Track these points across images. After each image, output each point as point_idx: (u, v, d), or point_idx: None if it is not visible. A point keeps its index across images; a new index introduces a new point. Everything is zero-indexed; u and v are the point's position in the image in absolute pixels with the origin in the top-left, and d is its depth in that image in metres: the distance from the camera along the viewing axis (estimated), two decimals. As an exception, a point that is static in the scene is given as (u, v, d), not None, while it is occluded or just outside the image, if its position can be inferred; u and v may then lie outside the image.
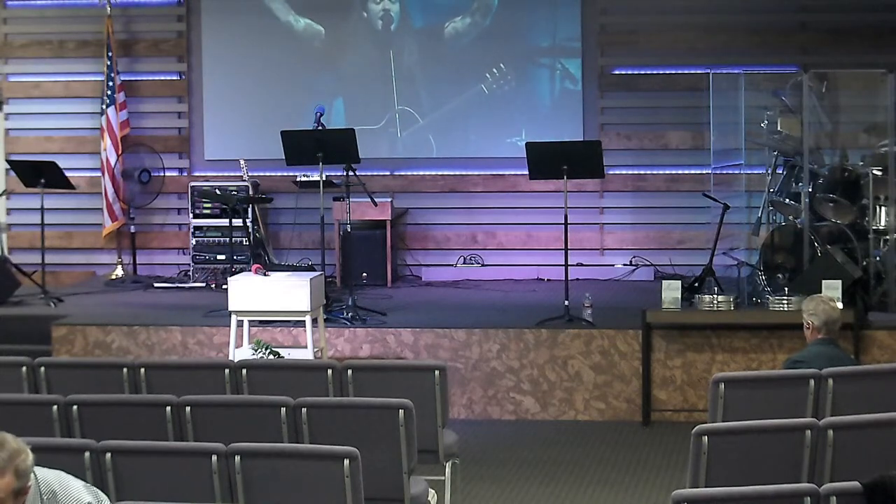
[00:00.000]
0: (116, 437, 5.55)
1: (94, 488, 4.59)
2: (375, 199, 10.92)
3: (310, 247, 12.54)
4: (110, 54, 12.68)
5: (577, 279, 11.94)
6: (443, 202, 12.81)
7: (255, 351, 8.74)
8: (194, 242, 12.57)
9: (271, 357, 8.56)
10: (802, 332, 7.08)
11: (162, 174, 12.77)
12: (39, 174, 11.60)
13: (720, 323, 9.62)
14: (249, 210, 12.09)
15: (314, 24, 12.86)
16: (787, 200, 10.65)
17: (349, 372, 6.90)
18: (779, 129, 10.88)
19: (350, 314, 10.24)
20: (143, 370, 7.04)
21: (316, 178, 10.74)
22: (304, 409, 6.02)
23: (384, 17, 12.84)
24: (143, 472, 5.32)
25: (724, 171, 11.44)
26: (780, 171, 10.96)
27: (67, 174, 11.80)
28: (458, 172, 12.77)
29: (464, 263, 12.74)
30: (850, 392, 6.53)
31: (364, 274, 12.12)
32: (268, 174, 12.64)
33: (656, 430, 9.44)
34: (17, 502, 4.34)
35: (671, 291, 9.60)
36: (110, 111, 12.68)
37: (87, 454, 5.32)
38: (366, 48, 12.85)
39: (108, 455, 5.32)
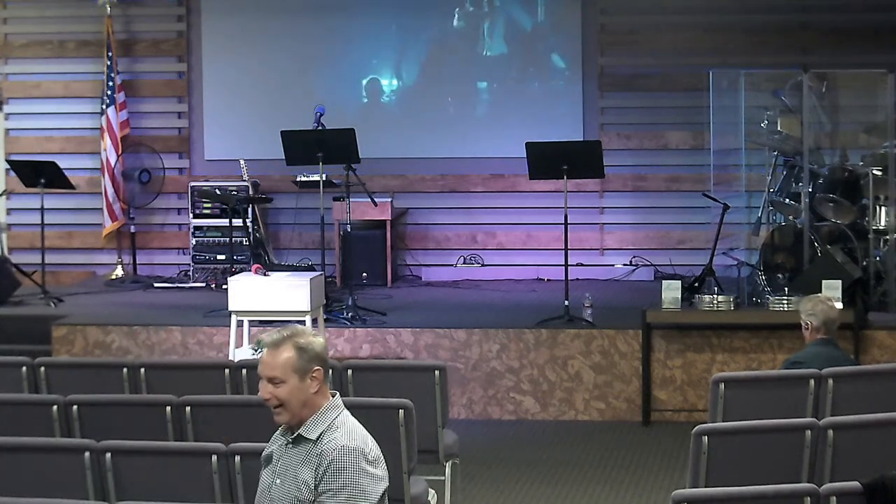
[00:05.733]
0: (116, 437, 5.55)
1: (369, 441, 4.38)
2: (375, 199, 10.92)
3: (310, 247, 12.53)
4: (110, 54, 12.67)
5: (577, 279, 11.93)
6: (443, 202, 12.81)
7: (255, 351, 8.73)
8: (194, 242, 12.56)
9: (271, 357, 8.55)
10: (802, 332, 7.08)
11: (162, 174, 12.76)
12: (39, 174, 11.60)
13: (720, 323, 9.62)
14: (249, 210, 12.09)
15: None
16: (787, 200, 10.65)
17: (349, 372, 6.91)
18: (779, 129, 10.88)
19: (350, 314, 10.24)
20: (143, 370, 7.05)
21: (316, 178, 10.74)
22: (304, 409, 6.01)
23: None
24: (143, 472, 5.33)
25: (725, 171, 11.44)
26: (781, 171, 10.96)
27: (67, 174, 11.80)
28: (458, 172, 12.77)
29: (464, 263, 12.74)
30: (850, 392, 6.54)
31: (364, 274, 12.12)
32: (268, 174, 12.63)
33: (656, 430, 9.44)
34: (305, 389, 4.28)
35: (671, 291, 9.60)
36: (110, 111, 12.67)
37: (87, 454, 5.33)
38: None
39: (108, 455, 5.32)
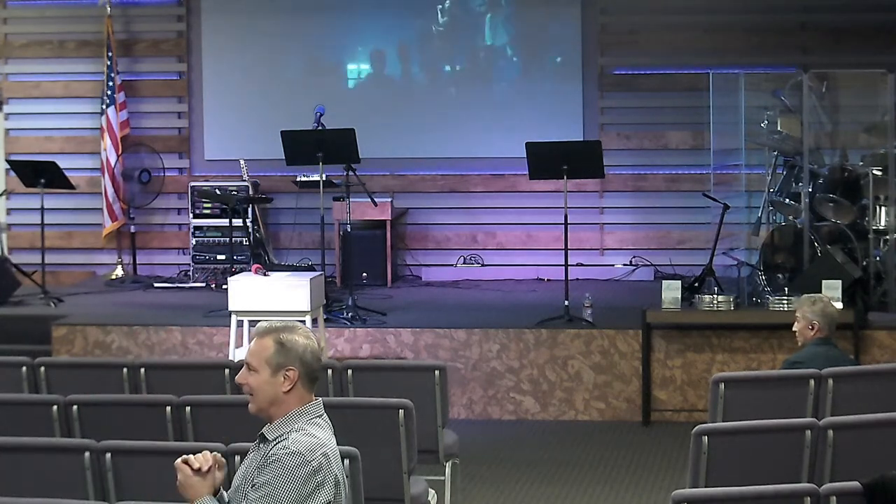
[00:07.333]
0: (116, 437, 5.55)
1: (319, 450, 4.21)
2: (375, 199, 10.92)
3: (310, 247, 12.53)
4: (110, 54, 12.67)
5: (577, 279, 11.93)
6: (443, 202, 12.81)
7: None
8: (194, 242, 12.57)
9: (271, 357, 8.55)
10: (800, 331, 7.05)
11: (162, 174, 12.76)
12: (39, 174, 11.60)
13: (720, 323, 9.62)
14: (249, 210, 12.09)
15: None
16: (787, 200, 10.65)
17: (349, 372, 6.91)
18: (779, 129, 10.88)
19: (350, 314, 10.24)
20: (143, 370, 7.05)
21: (316, 178, 10.74)
22: (304, 409, 6.01)
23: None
24: (143, 472, 5.33)
25: (725, 171, 11.44)
26: (780, 171, 10.96)
27: (67, 174, 11.80)
28: (458, 172, 12.77)
29: (464, 263, 12.74)
30: (850, 392, 6.54)
31: (364, 274, 12.13)
32: (268, 174, 12.63)
33: (656, 430, 9.44)
34: (276, 385, 4.24)
35: (671, 291, 9.60)
36: (110, 111, 12.67)
37: (87, 454, 5.33)
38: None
39: (108, 455, 5.32)
